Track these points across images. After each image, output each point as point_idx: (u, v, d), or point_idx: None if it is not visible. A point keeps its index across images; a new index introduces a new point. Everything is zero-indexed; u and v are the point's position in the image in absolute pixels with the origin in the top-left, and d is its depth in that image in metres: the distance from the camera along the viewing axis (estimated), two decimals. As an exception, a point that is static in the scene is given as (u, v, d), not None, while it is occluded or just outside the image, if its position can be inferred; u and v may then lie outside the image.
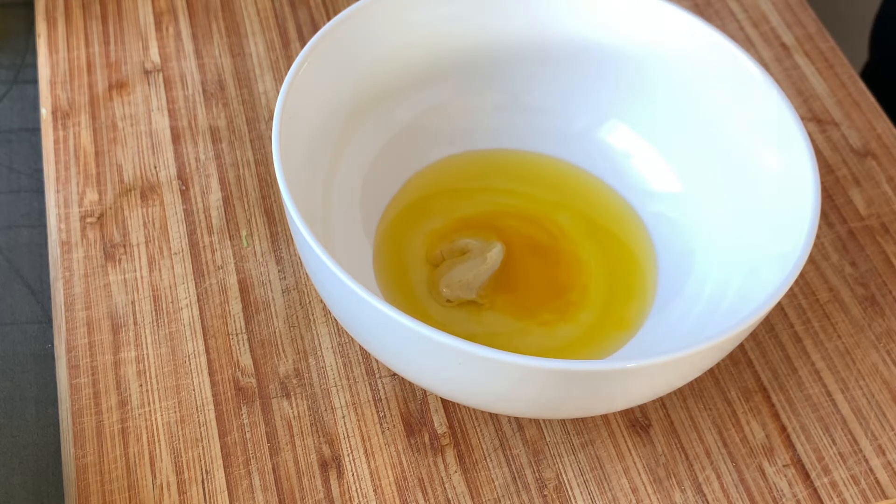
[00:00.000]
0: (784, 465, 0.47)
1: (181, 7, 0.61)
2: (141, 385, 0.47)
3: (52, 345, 0.49)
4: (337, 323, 0.49)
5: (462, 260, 0.50)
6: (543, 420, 0.47)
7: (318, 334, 0.49)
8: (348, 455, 0.45)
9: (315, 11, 0.62)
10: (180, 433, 0.45)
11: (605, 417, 0.48)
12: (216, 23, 0.60)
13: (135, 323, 0.48)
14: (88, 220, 0.51)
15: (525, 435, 0.47)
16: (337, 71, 0.49)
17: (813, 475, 0.47)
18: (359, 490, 0.45)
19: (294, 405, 0.47)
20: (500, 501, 0.45)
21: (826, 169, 0.58)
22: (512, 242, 0.51)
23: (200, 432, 0.46)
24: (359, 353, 0.48)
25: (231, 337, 0.48)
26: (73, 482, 0.44)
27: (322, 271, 0.41)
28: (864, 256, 0.54)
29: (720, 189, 0.51)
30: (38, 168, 0.55)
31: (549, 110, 0.55)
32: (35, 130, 0.56)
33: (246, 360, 0.48)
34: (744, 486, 0.46)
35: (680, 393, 0.48)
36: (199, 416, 0.46)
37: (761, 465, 0.47)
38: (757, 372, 0.50)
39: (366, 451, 0.46)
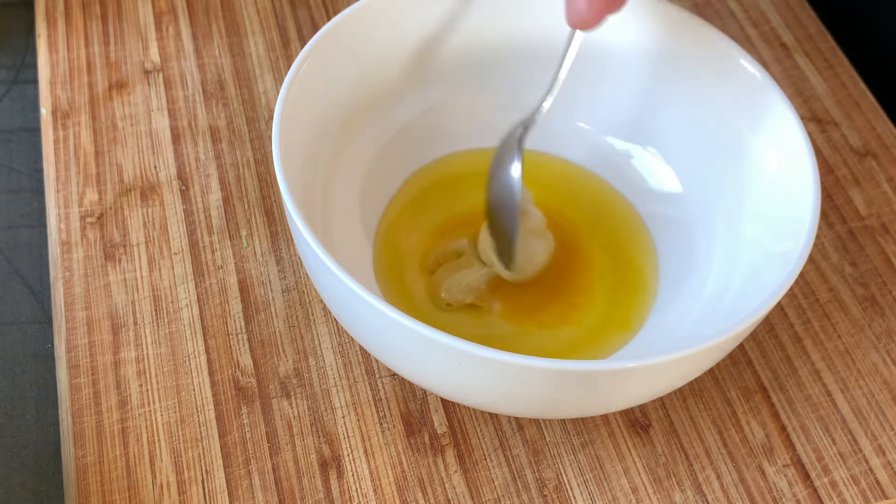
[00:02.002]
0: (784, 465, 0.47)
1: (181, 7, 0.61)
2: (141, 385, 0.47)
3: (52, 345, 0.49)
4: (337, 323, 0.49)
5: (461, 263, 0.50)
6: (543, 420, 0.47)
7: (318, 334, 0.49)
8: (348, 455, 0.45)
9: (315, 11, 0.62)
10: (180, 433, 0.45)
11: (605, 417, 0.48)
12: (216, 23, 0.60)
13: (135, 323, 0.48)
14: (88, 220, 0.51)
15: (525, 435, 0.47)
16: (337, 71, 0.49)
17: (813, 475, 0.47)
18: (359, 490, 0.45)
19: (294, 405, 0.47)
20: (500, 501, 0.45)
21: (826, 169, 0.58)
22: None
23: (200, 432, 0.46)
24: (359, 353, 0.48)
25: (231, 337, 0.48)
26: (73, 482, 0.44)
27: (322, 271, 0.41)
28: (864, 256, 0.54)
29: (720, 189, 0.51)
30: (38, 168, 0.55)
31: (549, 110, 0.55)
32: (35, 130, 0.56)
33: (246, 360, 0.48)
34: (744, 486, 0.46)
35: (680, 393, 0.48)
36: (199, 416, 0.46)
37: (761, 465, 0.47)
38: (757, 372, 0.50)
39: (366, 451, 0.46)
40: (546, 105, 0.48)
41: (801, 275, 0.53)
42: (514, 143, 0.48)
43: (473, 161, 0.54)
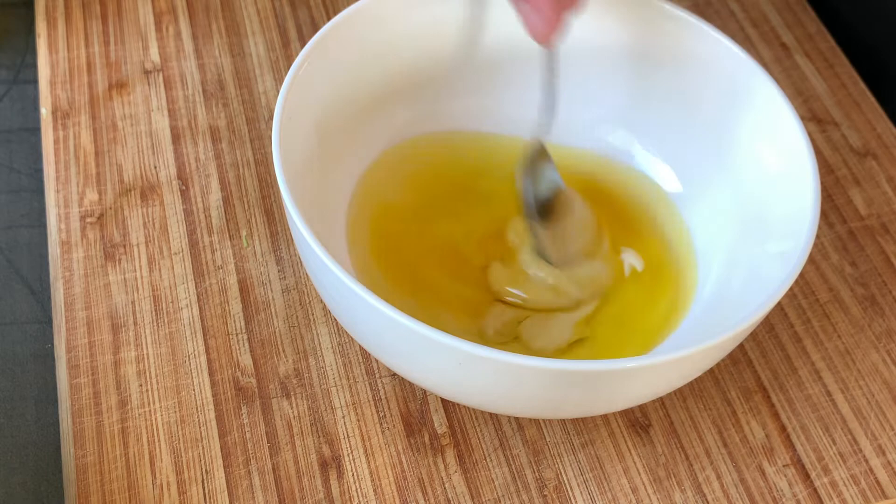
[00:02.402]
0: (784, 465, 0.47)
1: (181, 7, 0.61)
2: (141, 385, 0.47)
3: (52, 345, 0.49)
4: (337, 323, 0.49)
5: (545, 321, 0.49)
6: (543, 420, 0.47)
7: (318, 334, 0.49)
8: (348, 455, 0.45)
9: (315, 11, 0.62)
10: (180, 433, 0.45)
11: (605, 417, 0.48)
12: (216, 23, 0.60)
13: (135, 323, 0.48)
14: (88, 220, 0.51)
15: (525, 435, 0.47)
16: (337, 71, 0.49)
17: (813, 475, 0.47)
18: (359, 490, 0.45)
19: (294, 405, 0.47)
20: (500, 501, 0.45)
21: (826, 169, 0.58)
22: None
23: (200, 432, 0.46)
24: (359, 353, 0.48)
25: (231, 337, 0.48)
26: (73, 482, 0.44)
27: (322, 271, 0.41)
28: (864, 256, 0.54)
29: (720, 189, 0.51)
30: (38, 168, 0.55)
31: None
32: (35, 130, 0.56)
33: (246, 360, 0.48)
34: (744, 486, 0.46)
35: (680, 393, 0.48)
36: (199, 416, 0.46)
37: (761, 465, 0.47)
38: (757, 372, 0.50)
39: (366, 451, 0.46)
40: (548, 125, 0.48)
41: (801, 275, 0.53)
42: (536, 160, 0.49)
43: (472, 159, 0.54)
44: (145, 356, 0.47)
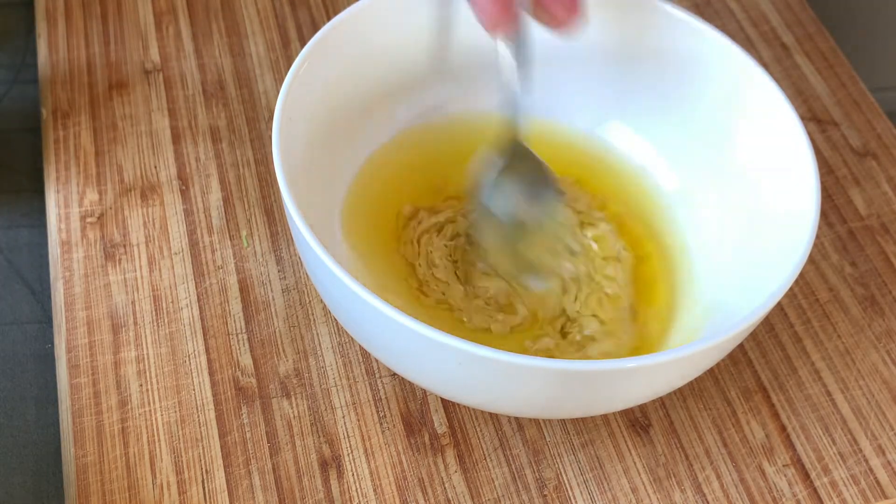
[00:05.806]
0: (784, 465, 0.47)
1: (181, 7, 0.61)
2: (141, 385, 0.47)
3: (52, 345, 0.49)
4: (337, 323, 0.49)
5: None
6: (543, 420, 0.47)
7: (318, 334, 0.49)
8: (348, 455, 0.46)
9: (315, 11, 0.62)
10: (180, 433, 0.45)
11: (605, 417, 0.48)
12: (216, 23, 0.60)
13: (135, 323, 0.48)
14: (88, 220, 0.51)
15: (525, 435, 0.47)
16: (337, 71, 0.49)
17: (813, 475, 0.47)
18: (359, 490, 0.45)
19: (294, 405, 0.47)
20: (500, 501, 0.45)
21: (826, 169, 0.58)
22: None
23: (200, 432, 0.46)
24: (359, 353, 0.48)
25: (231, 337, 0.48)
26: (73, 482, 0.44)
27: (322, 271, 0.41)
28: (864, 256, 0.54)
29: (720, 189, 0.51)
30: (38, 168, 0.55)
31: (549, 110, 0.55)
32: (35, 130, 0.56)
33: (246, 360, 0.48)
34: (744, 486, 0.46)
35: (680, 393, 0.48)
36: (199, 416, 0.46)
37: (761, 465, 0.47)
38: (757, 372, 0.50)
39: (366, 450, 0.46)
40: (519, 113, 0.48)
41: (801, 275, 0.53)
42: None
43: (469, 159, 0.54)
44: (145, 356, 0.47)
